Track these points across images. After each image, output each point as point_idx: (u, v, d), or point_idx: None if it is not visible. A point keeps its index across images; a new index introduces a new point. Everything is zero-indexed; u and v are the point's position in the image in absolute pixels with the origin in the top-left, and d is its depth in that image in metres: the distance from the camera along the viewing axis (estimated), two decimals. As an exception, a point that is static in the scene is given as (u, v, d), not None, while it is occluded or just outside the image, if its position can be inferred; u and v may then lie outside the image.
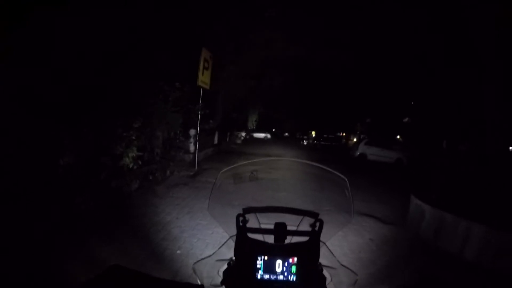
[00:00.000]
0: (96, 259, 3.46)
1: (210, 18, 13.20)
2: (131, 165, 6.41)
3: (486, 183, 5.93)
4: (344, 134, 53.91)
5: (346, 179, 1.36)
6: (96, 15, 6.33)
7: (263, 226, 1.22)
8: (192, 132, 11.26)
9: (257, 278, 1.07)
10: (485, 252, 4.45)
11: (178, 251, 4.10)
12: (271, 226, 1.18)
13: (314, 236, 1.15)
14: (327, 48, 18.49)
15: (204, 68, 10.46)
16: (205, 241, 4.46)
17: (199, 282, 1.04)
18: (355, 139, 38.55)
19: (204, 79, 10.49)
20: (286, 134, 65.85)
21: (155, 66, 8.68)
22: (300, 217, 1.25)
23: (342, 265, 1.22)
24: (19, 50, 4.91)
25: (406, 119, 38.88)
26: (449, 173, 6.89)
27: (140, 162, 6.74)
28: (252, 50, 18.05)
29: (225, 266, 1.13)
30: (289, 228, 1.18)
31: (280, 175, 9.39)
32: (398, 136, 42.47)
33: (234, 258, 1.14)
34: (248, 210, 1.21)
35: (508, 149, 6.80)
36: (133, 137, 6.56)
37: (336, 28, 16.18)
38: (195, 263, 1.20)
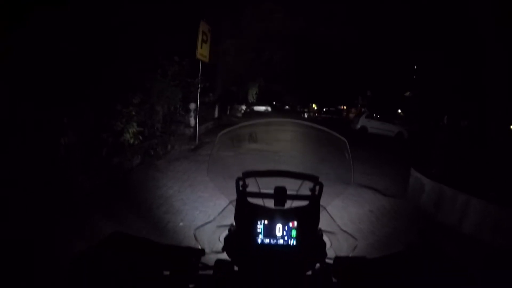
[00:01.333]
0: (100, 233, 3.51)
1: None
2: (131, 141, 6.44)
3: (485, 159, 5.95)
4: (345, 107, 53.77)
5: (346, 141, 1.35)
6: None
7: (263, 191, 1.23)
8: (192, 106, 11.24)
9: (257, 242, 1.08)
10: (483, 225, 4.52)
11: (181, 223, 4.16)
12: (271, 191, 1.19)
13: (314, 200, 1.16)
14: (327, 22, 18.17)
15: (203, 41, 10.31)
16: (207, 213, 4.52)
17: (200, 247, 1.06)
18: (354, 113, 38.50)
19: (203, 52, 10.36)
20: (287, 107, 65.60)
21: (153, 41, 8.58)
22: (300, 182, 1.26)
23: (342, 229, 1.24)
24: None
25: (407, 93, 38.65)
26: (449, 148, 6.89)
27: (140, 138, 6.77)
28: (252, 23, 17.76)
29: (226, 233, 1.15)
30: (289, 192, 1.19)
31: (281, 147, 9.43)
32: (399, 110, 42.36)
33: (234, 223, 1.16)
34: (248, 174, 1.22)
35: (509, 127, 6.78)
36: (133, 113, 6.57)
37: (336, 1, 15.87)
38: (196, 229, 1.22)
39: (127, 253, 0.92)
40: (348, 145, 1.34)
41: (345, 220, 4.69)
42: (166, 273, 0.87)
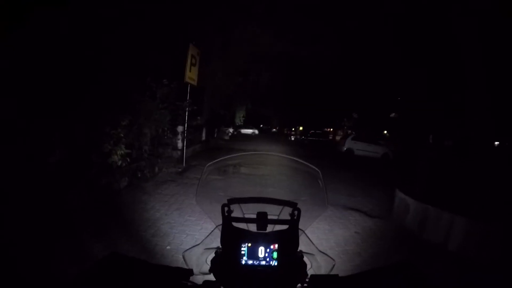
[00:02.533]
0: (88, 255, 3.49)
1: (197, 14, 13.18)
2: (119, 163, 6.43)
3: (469, 178, 6.09)
4: (331, 129, 54.27)
5: (318, 171, 1.45)
6: (83, 10, 6.31)
7: (246, 216, 1.30)
8: (179, 128, 11.26)
9: (241, 264, 1.15)
10: (467, 243, 4.60)
11: (168, 247, 4.15)
12: (254, 215, 1.26)
13: (293, 224, 1.24)
14: (313, 44, 18.54)
15: (192, 64, 10.43)
16: (194, 236, 4.52)
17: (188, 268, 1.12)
18: (340, 135, 38.88)
19: (191, 75, 10.47)
20: (274, 130, 66.02)
21: (142, 63, 8.67)
22: (280, 207, 1.34)
23: (320, 251, 1.31)
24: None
25: (393, 115, 39.25)
26: (433, 167, 7.04)
27: (128, 160, 6.76)
28: (239, 46, 18.05)
29: (213, 255, 1.21)
30: (270, 217, 1.26)
31: (267, 171, 9.51)
32: (385, 131, 42.93)
33: (220, 246, 1.22)
34: (232, 200, 1.29)
35: (493, 144, 6.96)
36: (121, 135, 6.58)
37: (322, 24, 16.25)
38: (184, 251, 1.28)
39: (123, 273, 0.97)
40: (320, 175, 1.44)
41: (331, 243, 4.73)
42: None
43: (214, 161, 1.52)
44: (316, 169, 1.46)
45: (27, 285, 2.81)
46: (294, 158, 1.62)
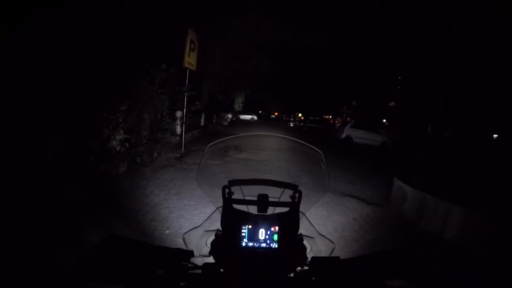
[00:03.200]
0: (87, 242, 3.51)
1: (197, 1, 13.05)
2: (118, 148, 6.43)
3: (467, 167, 6.11)
4: (330, 116, 54.27)
5: (321, 152, 1.44)
6: None
7: (247, 198, 1.30)
8: (178, 114, 11.23)
9: (242, 246, 1.15)
10: (464, 232, 4.64)
11: (167, 231, 4.18)
12: (255, 198, 1.26)
13: (294, 206, 1.24)
14: (313, 32, 18.42)
15: (191, 49, 10.35)
16: (192, 221, 4.54)
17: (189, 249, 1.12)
18: (339, 122, 38.88)
19: (190, 60, 10.39)
20: (273, 116, 65.91)
21: (141, 48, 8.59)
22: (281, 189, 1.34)
23: (320, 234, 1.31)
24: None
25: (392, 103, 39.25)
26: (432, 157, 7.06)
27: (127, 145, 6.75)
28: (239, 32, 17.92)
29: (213, 237, 1.21)
30: (271, 199, 1.26)
31: (265, 156, 9.53)
32: (384, 120, 42.94)
33: (220, 228, 1.23)
34: (233, 182, 1.29)
35: (491, 136, 6.96)
36: (120, 120, 6.56)
37: (322, 12, 16.11)
38: (185, 233, 1.28)
39: (123, 254, 0.98)
40: (323, 157, 1.43)
41: (329, 228, 4.77)
42: (160, 272, 0.93)
43: (215, 142, 1.51)
44: (318, 150, 1.45)
45: (26, 274, 2.82)
46: (296, 139, 1.62)
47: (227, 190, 1.25)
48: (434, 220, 5.05)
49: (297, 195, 1.26)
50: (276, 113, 66.85)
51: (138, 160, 7.42)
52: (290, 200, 1.27)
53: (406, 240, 4.71)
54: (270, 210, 1.26)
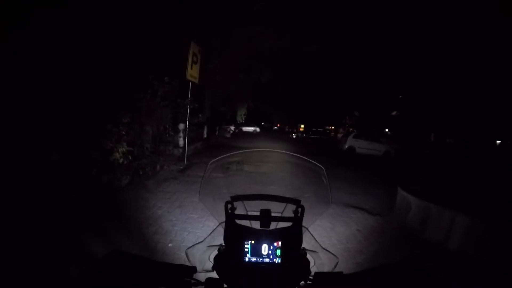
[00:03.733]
0: (90, 254, 3.50)
1: (198, 12, 13.16)
2: (121, 160, 6.44)
3: (470, 176, 6.09)
4: (332, 127, 54.23)
5: (322, 168, 1.45)
6: (84, 8, 6.31)
7: (249, 213, 1.30)
8: (181, 126, 11.26)
9: (245, 261, 1.15)
10: (468, 241, 4.59)
11: (170, 244, 4.16)
12: (257, 213, 1.26)
13: (297, 221, 1.24)
14: (314, 42, 18.52)
15: (193, 62, 10.44)
16: (196, 234, 4.53)
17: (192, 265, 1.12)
18: (342, 133, 38.87)
19: (193, 73, 10.47)
20: (275, 127, 65.91)
21: (143, 61, 8.67)
22: (283, 204, 1.34)
23: (324, 248, 1.31)
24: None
25: (394, 113, 39.21)
26: (435, 165, 7.04)
27: (130, 157, 6.77)
28: (240, 43, 18.03)
29: (216, 252, 1.21)
30: (273, 214, 1.26)
31: (268, 169, 9.53)
32: (387, 129, 42.90)
33: (223, 243, 1.22)
34: (235, 198, 1.29)
35: (494, 143, 6.94)
36: (123, 132, 6.59)
37: (323, 22, 16.21)
38: (187, 248, 1.28)
39: (126, 270, 0.98)
40: (325, 171, 1.43)
41: (333, 240, 4.74)
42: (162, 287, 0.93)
43: (217, 158, 1.52)
44: (320, 165, 1.46)
45: (28, 285, 2.82)
46: (298, 155, 1.63)
47: (229, 206, 1.26)
48: (438, 229, 5.01)
49: (299, 210, 1.26)
50: (278, 125, 66.85)
51: (141, 173, 7.43)
52: (292, 215, 1.27)
53: (410, 250, 4.66)
54: (273, 225, 1.26)
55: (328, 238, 4.78)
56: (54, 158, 5.14)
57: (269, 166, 10.24)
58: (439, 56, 12.15)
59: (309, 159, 1.53)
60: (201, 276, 1.08)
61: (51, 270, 3.05)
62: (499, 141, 14.75)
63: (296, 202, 1.29)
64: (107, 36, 6.90)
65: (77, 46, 6.07)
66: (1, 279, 2.82)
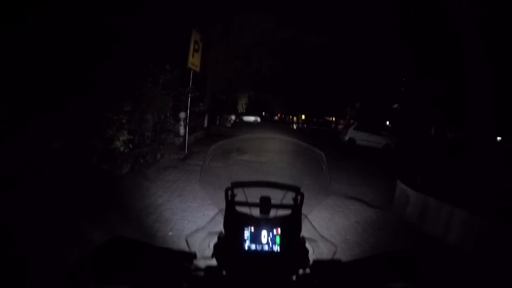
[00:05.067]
0: (89, 242, 3.52)
1: (200, 1, 13.09)
2: (122, 148, 6.45)
3: (470, 170, 6.10)
4: (333, 118, 54.21)
5: (322, 154, 1.45)
6: None
7: (249, 200, 1.31)
8: (182, 115, 11.27)
9: (244, 248, 1.16)
10: (467, 236, 4.61)
11: (170, 233, 4.19)
12: (257, 200, 1.27)
13: (296, 209, 1.25)
14: (316, 33, 18.42)
15: (194, 50, 10.37)
16: (196, 222, 4.55)
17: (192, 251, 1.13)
18: (342, 124, 38.85)
19: (194, 61, 10.41)
20: (276, 117, 65.91)
21: (145, 49, 8.63)
22: (283, 192, 1.34)
23: (322, 236, 1.32)
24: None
25: (395, 105, 39.17)
26: (435, 159, 7.05)
27: (131, 146, 6.78)
28: (242, 32, 17.93)
29: (216, 240, 1.22)
30: (273, 201, 1.27)
31: (269, 158, 9.55)
32: (388, 122, 42.87)
33: (223, 231, 1.23)
34: (236, 184, 1.30)
35: (495, 139, 6.94)
36: (124, 121, 6.58)
37: (325, 13, 16.11)
38: (187, 235, 1.30)
39: (126, 255, 0.99)
40: (324, 158, 1.43)
41: (332, 231, 4.76)
42: (162, 273, 0.94)
43: (219, 142, 1.52)
44: (320, 152, 1.46)
45: (29, 273, 2.84)
46: (297, 141, 1.63)
47: (229, 193, 1.26)
48: (437, 223, 5.03)
49: (299, 197, 1.27)
50: (278, 115, 66.84)
51: (141, 161, 7.44)
52: (292, 202, 1.28)
53: (408, 244, 4.69)
54: (273, 213, 1.27)
55: (327, 229, 4.81)
56: (54, 146, 5.13)
57: (270, 156, 10.26)
58: (441, 50, 12.09)
59: (307, 145, 1.53)
60: (201, 264, 1.09)
61: (51, 257, 3.07)
62: (500, 138, 14.73)
63: (295, 189, 1.29)
64: (108, 25, 6.85)
65: (78, 35, 6.03)
66: (1, 266, 2.84)
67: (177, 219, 4.68)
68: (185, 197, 5.73)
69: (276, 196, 1.33)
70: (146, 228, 4.29)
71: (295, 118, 61.03)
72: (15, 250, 3.09)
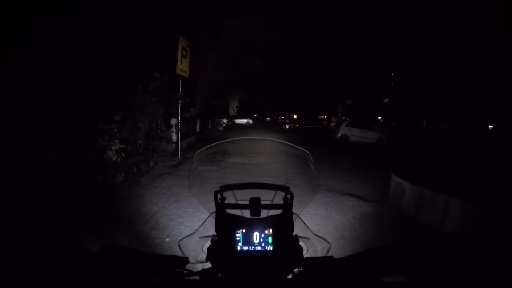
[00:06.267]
0: (85, 251, 3.49)
1: (187, 5, 13.07)
2: (114, 158, 6.41)
3: (463, 159, 6.14)
4: (325, 116, 54.38)
5: (308, 153, 1.46)
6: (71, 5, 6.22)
7: (240, 202, 1.31)
8: (173, 121, 11.23)
9: (237, 250, 1.16)
10: (464, 224, 4.65)
11: (167, 239, 4.17)
12: (247, 201, 1.27)
13: (287, 208, 1.25)
14: (305, 32, 18.48)
15: (183, 56, 10.36)
16: (192, 227, 4.52)
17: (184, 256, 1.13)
18: (334, 122, 39.01)
19: (182, 67, 10.40)
20: (268, 119, 65.97)
21: (133, 57, 8.60)
22: (273, 192, 1.35)
23: (315, 234, 1.32)
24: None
25: (386, 100, 39.42)
26: (428, 151, 7.09)
27: (123, 155, 6.73)
28: (230, 35, 17.95)
29: (209, 243, 1.22)
30: (263, 202, 1.27)
31: (262, 160, 9.57)
32: (379, 117, 43.11)
33: (216, 234, 1.23)
34: (225, 187, 1.30)
35: (487, 127, 7.00)
36: (115, 130, 6.54)
37: (314, 12, 16.16)
38: (180, 240, 1.30)
39: (119, 263, 0.98)
40: (311, 157, 1.45)
41: (330, 228, 4.77)
42: (155, 280, 0.94)
43: (204, 148, 1.52)
44: (306, 151, 1.47)
45: (24, 284, 2.82)
46: (285, 142, 1.64)
47: (219, 196, 1.27)
48: (434, 213, 5.07)
49: (289, 196, 1.28)
50: (270, 116, 66.92)
51: (135, 170, 7.40)
52: (282, 202, 1.28)
53: (406, 236, 4.71)
54: (264, 213, 1.27)
55: (325, 226, 4.82)
56: (47, 159, 5.09)
57: (263, 158, 10.27)
58: (430, 42, 12.18)
59: (295, 145, 1.55)
60: (196, 268, 1.09)
61: (48, 268, 3.05)
62: (491, 126, 14.86)
63: (285, 189, 1.30)
64: (97, 33, 6.82)
65: (67, 45, 6.00)
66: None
67: (173, 225, 4.67)
68: (181, 202, 5.71)
69: (266, 196, 1.34)
70: (143, 235, 4.27)
71: (286, 119, 61.04)
72: (11, 259, 3.06)
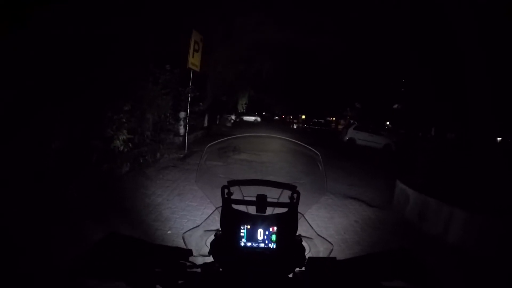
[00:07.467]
0: (89, 239, 3.52)
1: (200, 2, 13.09)
2: (121, 148, 6.44)
3: (470, 170, 6.09)
4: (333, 118, 54.20)
5: (318, 153, 1.46)
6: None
7: (246, 198, 1.32)
8: (182, 114, 11.26)
9: (240, 246, 1.17)
10: (467, 235, 4.62)
11: (169, 232, 4.20)
12: (254, 198, 1.27)
13: (292, 207, 1.26)
14: (317, 34, 18.41)
15: (195, 50, 10.38)
16: (195, 221, 4.55)
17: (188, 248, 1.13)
18: (342, 124, 38.85)
19: (194, 61, 10.42)
20: (276, 117, 65.86)
21: (145, 49, 8.63)
22: (280, 190, 1.35)
23: (319, 235, 1.32)
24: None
25: (396, 106, 39.16)
26: (435, 159, 7.04)
27: (130, 145, 6.76)
28: (242, 34, 17.93)
29: (212, 237, 1.23)
30: (270, 200, 1.28)
31: (268, 158, 9.56)
32: (388, 122, 42.86)
33: (220, 228, 1.24)
34: (232, 182, 1.31)
35: (495, 139, 6.93)
36: (124, 120, 6.58)
37: (326, 14, 16.10)
38: (184, 232, 1.30)
39: (123, 252, 0.99)
40: (320, 157, 1.45)
41: (331, 231, 4.77)
42: (158, 270, 0.95)
43: (214, 142, 1.53)
44: (316, 151, 1.47)
45: (28, 270, 2.85)
46: (294, 140, 1.64)
47: (226, 191, 1.27)
48: (437, 222, 5.04)
49: (295, 195, 1.28)
50: (279, 116, 66.79)
51: (141, 160, 7.44)
52: (288, 201, 1.29)
53: (408, 243, 4.69)
54: (269, 211, 1.27)
55: (326, 228, 4.82)
56: (54, 146, 5.13)
57: (270, 156, 10.27)
58: (441, 50, 12.09)
59: (304, 145, 1.55)
60: (198, 261, 1.10)
61: (49, 255, 3.09)
62: (500, 138, 14.70)
63: (292, 188, 1.30)
64: (109, 25, 6.85)
65: (80, 37, 6.03)
66: (2, 264, 2.85)
67: (176, 218, 4.70)
68: (185, 196, 5.74)
69: (273, 194, 1.34)
70: (145, 226, 4.30)
71: (294, 119, 60.97)
72: (16, 247, 3.10)
